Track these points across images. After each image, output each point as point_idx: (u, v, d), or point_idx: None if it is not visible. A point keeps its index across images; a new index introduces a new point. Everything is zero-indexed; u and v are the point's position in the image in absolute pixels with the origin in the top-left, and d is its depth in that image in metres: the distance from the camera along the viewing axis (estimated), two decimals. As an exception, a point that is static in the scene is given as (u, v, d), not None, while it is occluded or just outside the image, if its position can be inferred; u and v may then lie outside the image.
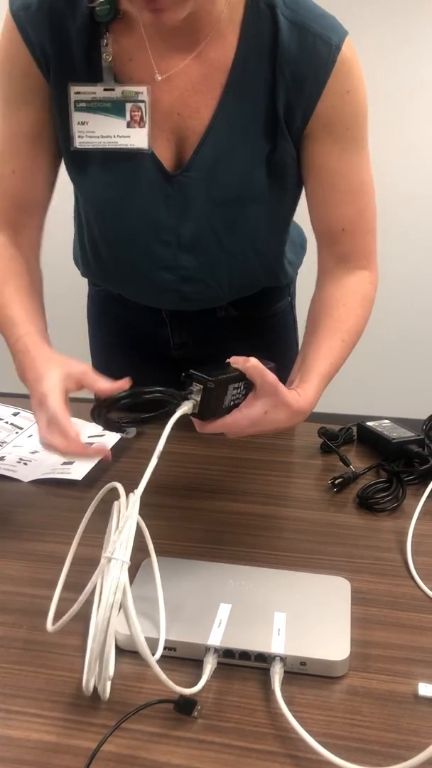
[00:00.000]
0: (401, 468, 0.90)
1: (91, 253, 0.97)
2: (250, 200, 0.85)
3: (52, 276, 1.03)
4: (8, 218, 0.89)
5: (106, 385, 0.69)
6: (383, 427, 1.00)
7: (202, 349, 1.09)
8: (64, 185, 0.92)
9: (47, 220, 0.93)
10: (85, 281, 1.11)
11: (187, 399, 0.64)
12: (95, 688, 0.52)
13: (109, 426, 0.69)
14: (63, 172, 0.91)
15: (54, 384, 0.70)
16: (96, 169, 0.84)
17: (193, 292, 0.94)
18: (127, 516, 0.55)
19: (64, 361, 0.73)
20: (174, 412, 0.63)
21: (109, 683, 0.52)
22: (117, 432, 0.71)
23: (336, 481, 0.87)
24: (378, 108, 2.52)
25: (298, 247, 1.06)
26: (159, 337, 1.07)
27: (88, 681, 0.52)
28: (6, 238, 0.89)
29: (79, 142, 0.81)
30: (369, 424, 1.02)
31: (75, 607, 0.53)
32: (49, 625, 0.56)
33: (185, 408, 0.64)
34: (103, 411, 0.66)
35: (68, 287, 1.46)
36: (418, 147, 2.74)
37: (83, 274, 1.05)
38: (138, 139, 0.80)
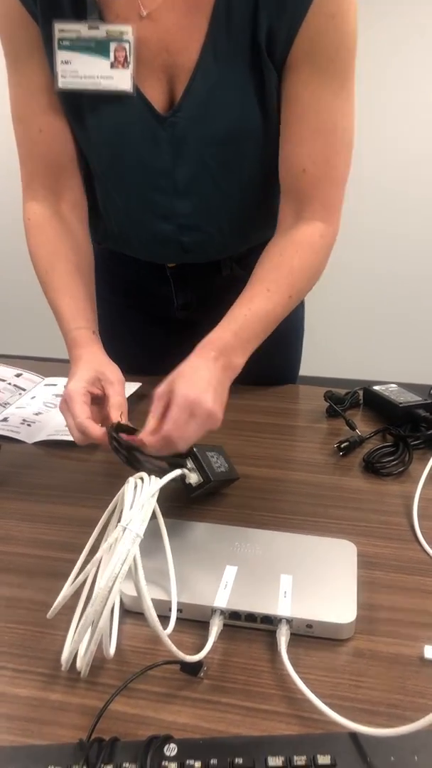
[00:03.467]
0: (408, 432, 0.90)
1: (97, 208, 0.94)
2: (242, 136, 0.82)
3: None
4: (48, 184, 0.87)
5: (116, 399, 0.71)
6: (390, 391, 0.99)
7: (206, 310, 1.07)
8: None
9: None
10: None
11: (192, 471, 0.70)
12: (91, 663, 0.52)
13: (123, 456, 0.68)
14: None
15: (77, 387, 0.71)
16: (88, 113, 0.81)
17: (193, 243, 0.92)
18: (149, 494, 0.55)
19: (101, 365, 0.75)
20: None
21: (90, 658, 0.50)
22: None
23: (342, 445, 0.87)
24: (383, 96, 2.45)
25: None
26: (162, 296, 1.05)
27: (73, 652, 0.51)
28: (49, 210, 0.87)
29: (62, 82, 0.78)
30: (375, 388, 1.01)
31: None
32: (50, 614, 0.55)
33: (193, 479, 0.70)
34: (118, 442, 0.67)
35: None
36: None
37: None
38: (121, 80, 0.77)
